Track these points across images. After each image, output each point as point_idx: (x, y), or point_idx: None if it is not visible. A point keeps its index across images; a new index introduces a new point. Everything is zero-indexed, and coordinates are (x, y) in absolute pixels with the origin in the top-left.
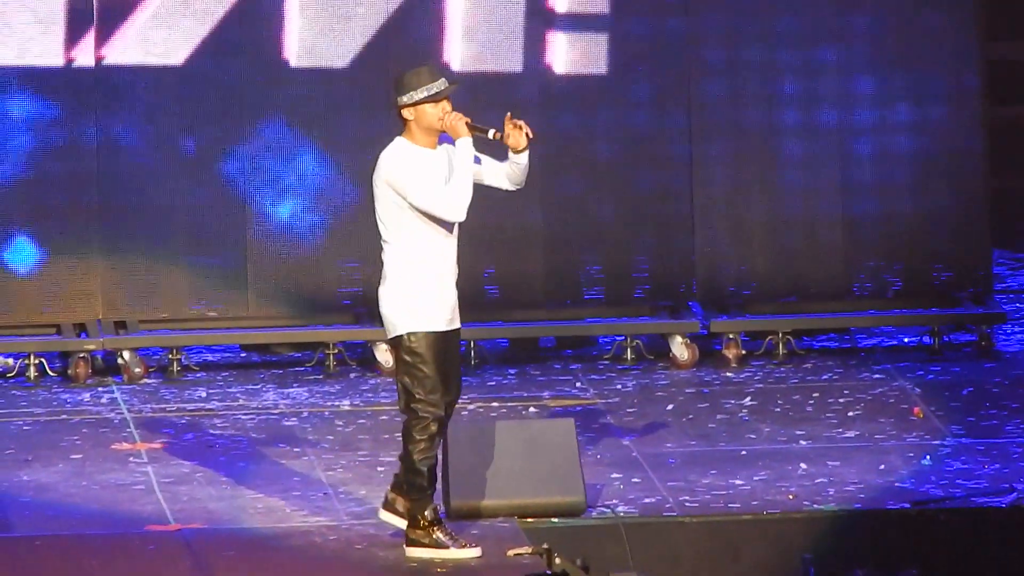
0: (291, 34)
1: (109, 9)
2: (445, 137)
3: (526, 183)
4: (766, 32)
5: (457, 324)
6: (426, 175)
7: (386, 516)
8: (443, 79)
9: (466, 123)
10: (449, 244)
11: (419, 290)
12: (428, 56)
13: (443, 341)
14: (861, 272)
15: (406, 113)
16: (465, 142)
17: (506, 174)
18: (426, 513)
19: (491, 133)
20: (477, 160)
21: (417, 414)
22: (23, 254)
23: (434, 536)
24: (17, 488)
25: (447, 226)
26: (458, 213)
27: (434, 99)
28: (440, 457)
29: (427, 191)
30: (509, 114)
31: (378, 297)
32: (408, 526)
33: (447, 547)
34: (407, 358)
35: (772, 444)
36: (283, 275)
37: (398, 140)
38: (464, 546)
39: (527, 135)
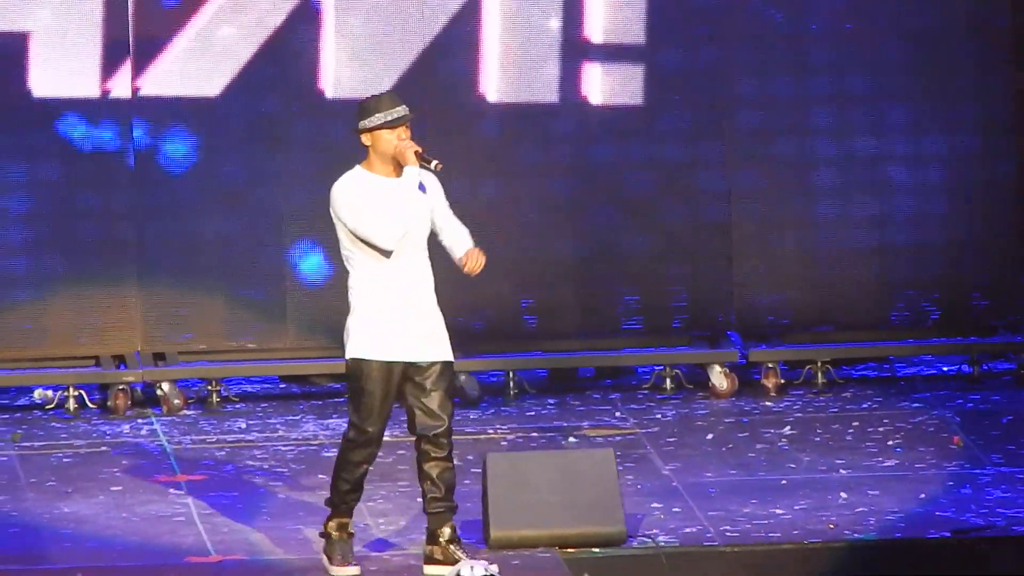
0: (327, 65)
1: (145, 40)
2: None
3: (560, 214)
4: (799, 63)
5: (428, 357)
6: (367, 202)
7: (429, 570)
8: (403, 107)
9: (415, 152)
10: (409, 273)
11: (367, 318)
12: (463, 88)
13: (388, 371)
14: (899, 301)
15: (364, 139)
16: (411, 171)
17: (448, 245)
18: (329, 525)
19: (433, 164)
20: (422, 188)
21: (347, 436)
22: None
23: (330, 547)
24: (57, 520)
25: (407, 255)
26: (387, 241)
27: (391, 126)
28: (480, 487)
29: (361, 217)
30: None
31: None
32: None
33: (331, 562)
34: (349, 382)
35: (812, 473)
36: (322, 306)
37: (354, 168)
38: (344, 565)
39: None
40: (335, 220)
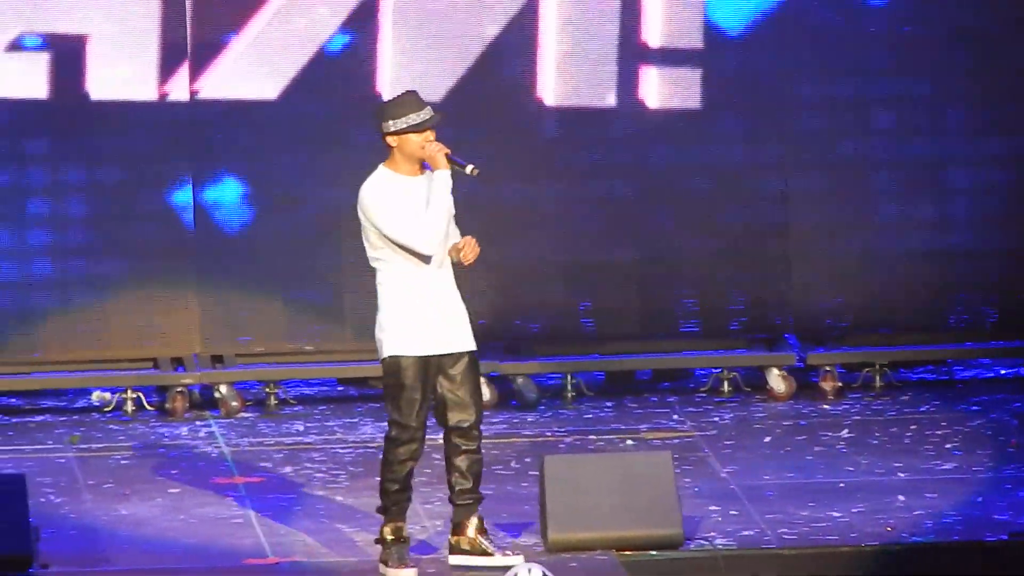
0: (384, 69)
1: (203, 43)
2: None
3: (618, 217)
4: (858, 66)
5: (456, 347)
6: (400, 206)
7: (455, 560)
8: (428, 108)
9: (446, 155)
10: (436, 270)
11: (400, 315)
12: (521, 91)
13: (425, 365)
14: (957, 304)
15: (390, 140)
16: (443, 174)
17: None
18: (384, 531)
19: (469, 168)
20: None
21: (389, 435)
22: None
23: (386, 553)
24: (115, 522)
25: (434, 255)
26: (428, 246)
27: (418, 128)
28: (538, 490)
29: (399, 223)
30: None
31: None
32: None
33: (387, 565)
34: (386, 380)
35: (870, 476)
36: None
37: (379, 169)
38: (401, 567)
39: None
40: (364, 221)
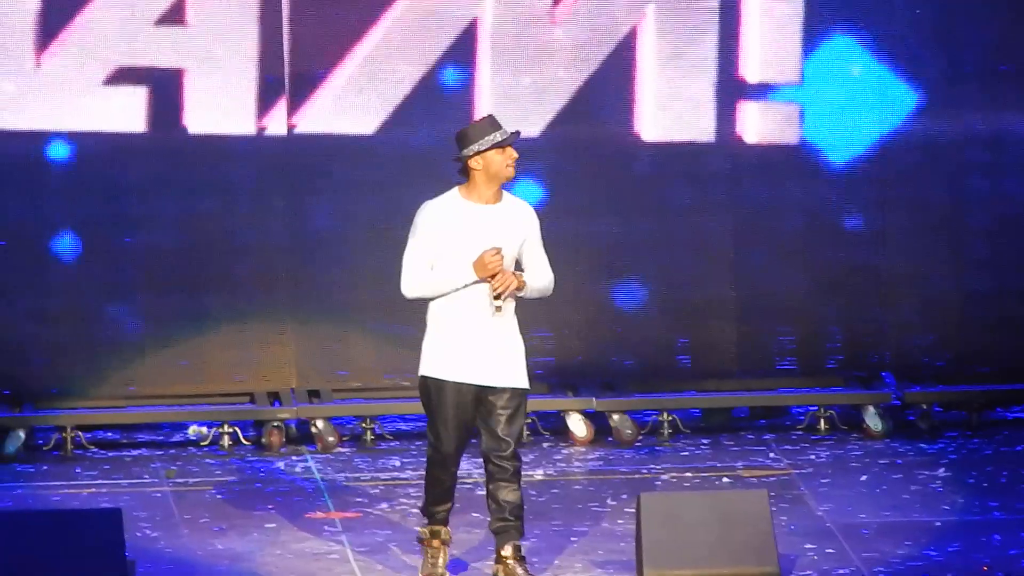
0: (481, 105)
1: (301, 77)
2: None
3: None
4: (953, 102)
5: (499, 382)
6: (429, 234)
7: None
8: (505, 128)
9: (496, 287)
10: (477, 298)
11: (440, 339)
12: (618, 126)
13: (459, 392)
14: None
15: (473, 163)
16: (507, 204)
17: None
18: (423, 531)
19: (496, 304)
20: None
21: (427, 453)
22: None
23: (423, 554)
24: (212, 557)
25: (478, 288)
26: (408, 294)
27: (500, 146)
28: (634, 527)
29: (409, 254)
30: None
31: None
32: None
33: (420, 570)
34: (422, 400)
35: (966, 515)
36: None
37: (450, 192)
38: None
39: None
40: None
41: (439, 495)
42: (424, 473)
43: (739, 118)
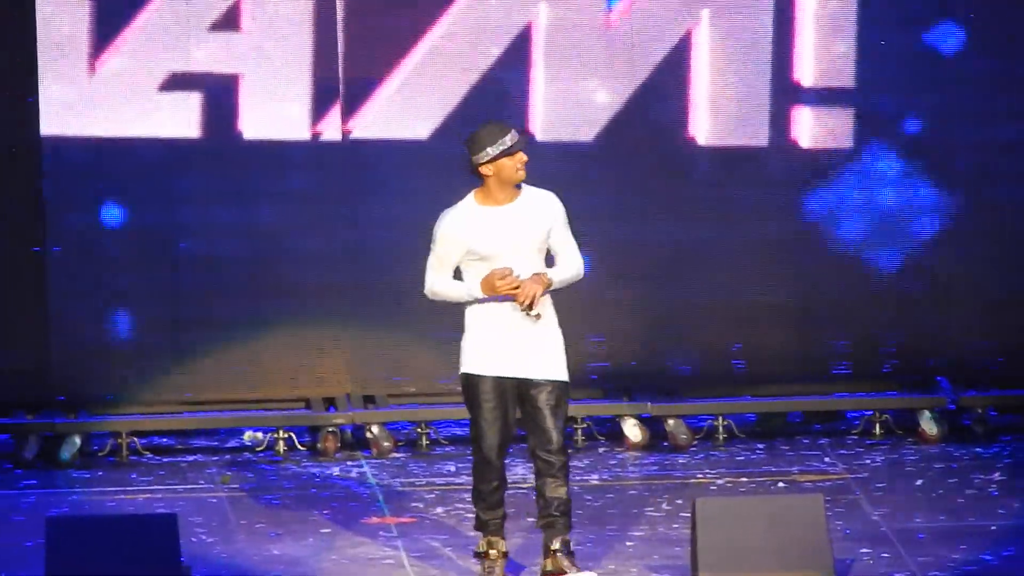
0: (537, 109)
1: (355, 83)
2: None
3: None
4: (1011, 108)
5: (537, 375)
6: (449, 243)
7: None
8: (513, 131)
9: (521, 299)
10: (512, 297)
11: (473, 337)
12: (673, 131)
13: (499, 387)
14: None
15: (485, 170)
16: (527, 197)
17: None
18: (480, 544)
19: (533, 313)
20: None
21: (472, 453)
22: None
23: (481, 568)
24: (268, 562)
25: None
26: (431, 296)
27: (510, 152)
28: (689, 532)
29: (431, 261)
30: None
31: None
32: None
33: None
34: (464, 398)
35: (1022, 519)
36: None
37: (466, 199)
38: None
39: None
40: None
41: (489, 500)
42: (472, 487)
43: (794, 122)
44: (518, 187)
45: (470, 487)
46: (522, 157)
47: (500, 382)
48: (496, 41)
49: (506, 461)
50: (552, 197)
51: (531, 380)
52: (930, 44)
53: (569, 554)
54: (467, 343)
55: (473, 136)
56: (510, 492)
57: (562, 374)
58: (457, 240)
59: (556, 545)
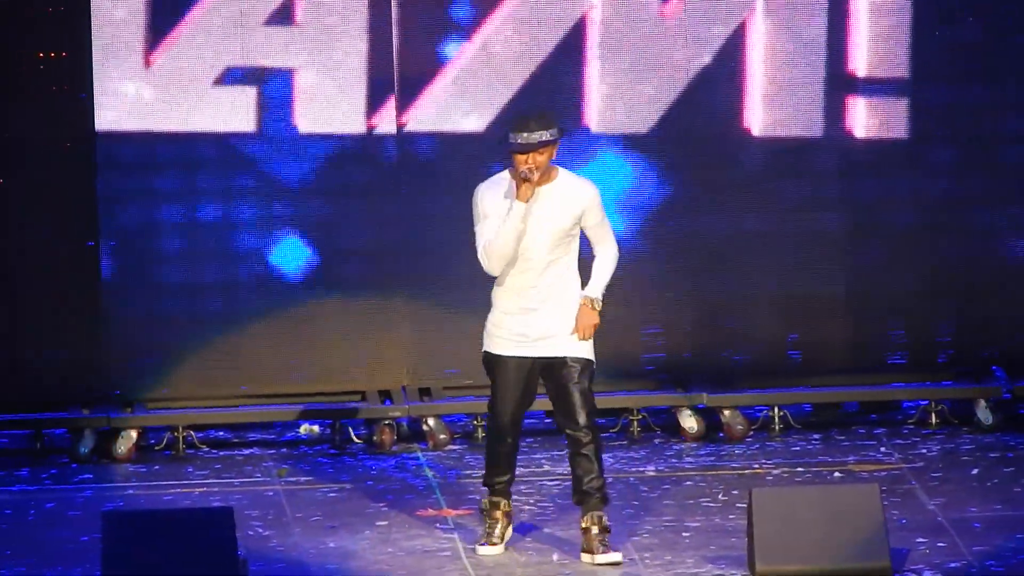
0: (591, 101)
1: (410, 76)
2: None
3: (825, 248)
4: None
5: (560, 352)
6: (491, 213)
7: (584, 558)
8: (525, 133)
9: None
10: (542, 276)
11: (499, 314)
12: (727, 121)
13: (518, 366)
14: None
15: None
16: (519, 207)
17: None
18: (483, 502)
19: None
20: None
21: (488, 424)
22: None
23: (484, 521)
24: (323, 555)
25: (537, 260)
26: (485, 264)
27: (515, 152)
28: (745, 523)
29: (478, 235)
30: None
31: None
32: None
33: (477, 541)
34: (487, 374)
35: None
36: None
37: (503, 172)
38: (487, 544)
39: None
40: None
41: (497, 465)
42: (485, 453)
43: (849, 112)
44: (554, 172)
45: (528, 478)
46: (522, 160)
47: (521, 362)
48: (551, 33)
49: (559, 454)
50: (587, 185)
51: (555, 358)
52: (984, 33)
53: (603, 531)
54: (491, 322)
55: (514, 118)
56: (567, 484)
57: (587, 352)
58: (493, 210)
59: (586, 523)
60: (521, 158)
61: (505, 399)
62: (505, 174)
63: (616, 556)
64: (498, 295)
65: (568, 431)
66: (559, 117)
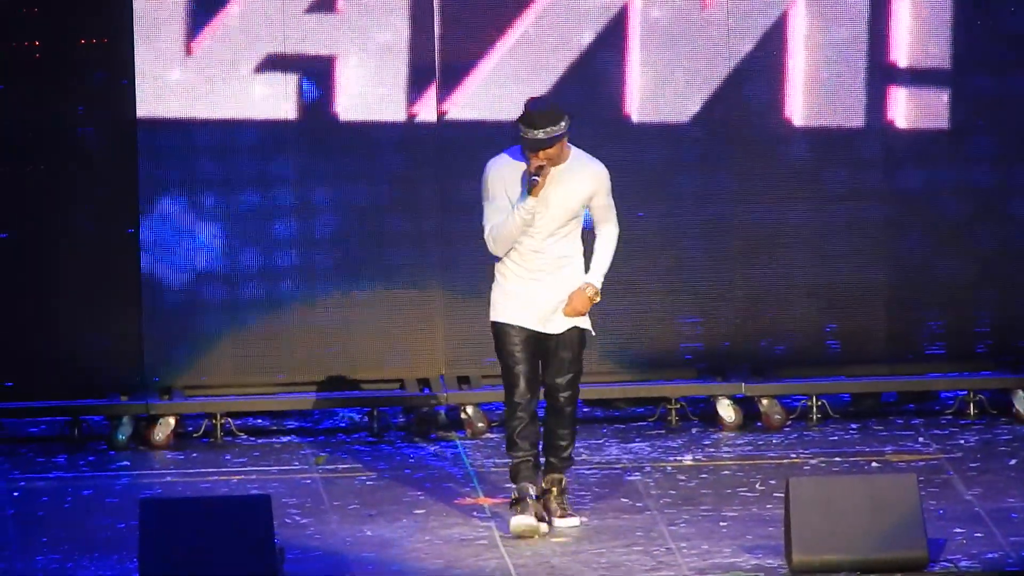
0: (633, 90)
1: (451, 64)
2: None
3: (865, 238)
4: None
5: (559, 328)
6: (500, 195)
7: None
8: (536, 130)
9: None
10: (544, 252)
11: (500, 287)
12: (769, 112)
13: (524, 337)
14: None
15: None
16: (530, 202)
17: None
18: (513, 493)
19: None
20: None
21: (504, 399)
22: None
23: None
24: (361, 543)
25: (542, 236)
26: (494, 251)
27: (526, 148)
28: (783, 512)
29: (485, 213)
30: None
31: None
32: None
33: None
34: (495, 346)
35: None
36: (625, 331)
37: (514, 147)
38: (517, 512)
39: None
40: None
41: (520, 443)
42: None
43: (890, 103)
44: (567, 151)
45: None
46: (538, 155)
47: (524, 332)
48: (592, 22)
49: (597, 443)
50: (597, 167)
51: (553, 333)
52: (1021, 21)
53: (561, 494)
54: (495, 293)
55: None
56: (605, 472)
57: (583, 323)
58: (504, 187)
59: (547, 484)
60: (533, 153)
61: (511, 371)
62: (515, 150)
63: (574, 520)
64: (503, 265)
65: (549, 397)
66: (600, 107)
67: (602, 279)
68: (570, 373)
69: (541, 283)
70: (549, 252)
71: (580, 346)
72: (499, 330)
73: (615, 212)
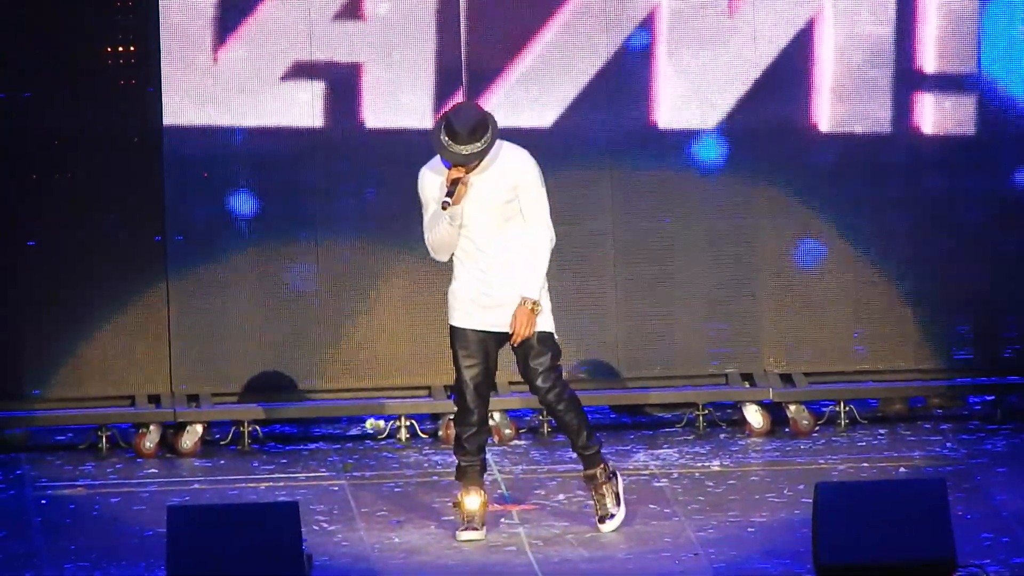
0: (660, 97)
1: (478, 71)
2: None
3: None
4: None
5: (500, 328)
6: (430, 202)
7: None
8: (458, 146)
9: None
10: (489, 250)
11: (455, 289)
12: (796, 118)
13: (478, 339)
14: None
15: None
16: (455, 210)
17: None
18: (456, 496)
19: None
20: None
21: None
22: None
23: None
24: (389, 550)
25: (484, 234)
26: (436, 257)
27: (446, 160)
28: (810, 518)
29: (424, 222)
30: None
31: None
32: None
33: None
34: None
35: None
36: (653, 337)
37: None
38: (464, 530)
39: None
40: None
41: (468, 447)
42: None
43: (917, 109)
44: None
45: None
46: (459, 168)
47: (479, 334)
48: (620, 27)
49: (624, 449)
50: (522, 159)
51: (509, 334)
52: None
53: (599, 488)
54: (451, 295)
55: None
56: (633, 479)
57: (544, 325)
58: (430, 191)
59: (584, 482)
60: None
61: (461, 373)
62: (436, 162)
63: (612, 524)
64: (456, 267)
65: (540, 401)
66: (626, 113)
67: (539, 289)
68: (542, 365)
69: (492, 282)
70: (493, 250)
71: (545, 337)
72: (453, 334)
73: (546, 211)
